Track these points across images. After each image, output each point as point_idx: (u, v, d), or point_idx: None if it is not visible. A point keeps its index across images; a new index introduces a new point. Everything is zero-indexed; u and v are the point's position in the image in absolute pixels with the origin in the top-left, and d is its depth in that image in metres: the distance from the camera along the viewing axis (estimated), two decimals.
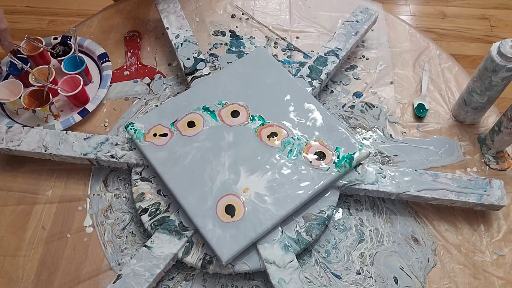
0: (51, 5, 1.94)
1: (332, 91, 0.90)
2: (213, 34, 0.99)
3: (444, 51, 0.97)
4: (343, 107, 0.88)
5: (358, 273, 0.70)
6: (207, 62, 0.91)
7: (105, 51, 0.94)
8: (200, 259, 0.67)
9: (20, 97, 0.82)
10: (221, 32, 1.00)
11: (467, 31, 1.85)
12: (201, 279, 0.69)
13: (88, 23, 1.02)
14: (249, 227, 0.66)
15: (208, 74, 0.86)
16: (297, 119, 0.77)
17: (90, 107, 0.85)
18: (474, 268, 0.71)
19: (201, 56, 0.89)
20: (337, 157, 0.73)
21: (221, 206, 0.68)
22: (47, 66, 0.87)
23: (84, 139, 0.78)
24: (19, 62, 0.88)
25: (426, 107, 0.87)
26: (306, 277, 0.69)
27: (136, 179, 0.75)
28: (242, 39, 0.98)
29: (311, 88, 0.84)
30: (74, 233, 0.74)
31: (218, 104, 0.80)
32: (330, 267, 0.70)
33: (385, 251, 0.72)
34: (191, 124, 0.77)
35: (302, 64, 0.94)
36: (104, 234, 0.73)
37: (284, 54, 0.96)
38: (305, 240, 0.69)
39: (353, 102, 0.89)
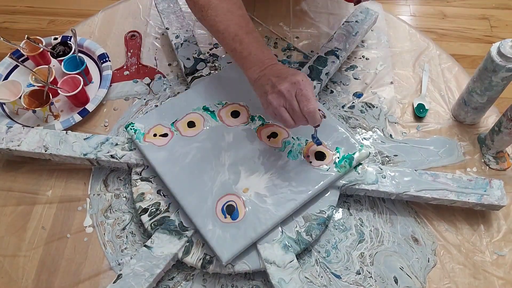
0: (51, 5, 1.94)
1: (332, 91, 0.90)
2: None
3: (444, 51, 0.97)
4: (343, 107, 0.88)
5: (358, 273, 0.70)
6: (207, 62, 0.91)
7: (105, 51, 0.94)
8: (200, 259, 0.67)
9: (20, 97, 0.82)
10: None
11: (467, 31, 1.85)
12: (201, 279, 0.69)
13: (88, 23, 1.03)
14: (249, 227, 0.66)
15: (208, 74, 0.86)
16: None
17: (90, 107, 0.85)
18: (474, 268, 0.71)
19: (201, 56, 0.89)
20: (338, 157, 0.73)
21: (221, 206, 0.68)
22: (47, 66, 0.87)
23: (84, 139, 0.78)
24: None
25: (426, 107, 0.88)
26: (306, 277, 0.69)
27: (136, 179, 0.75)
28: None
29: None
30: (74, 233, 0.74)
31: (218, 104, 0.80)
32: (330, 267, 0.70)
33: (385, 251, 0.72)
34: (191, 124, 0.77)
35: (302, 64, 0.94)
36: (104, 234, 0.73)
37: (284, 54, 0.96)
38: (305, 240, 0.69)
39: (353, 102, 0.89)
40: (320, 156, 0.73)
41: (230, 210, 0.68)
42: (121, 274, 0.65)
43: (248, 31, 0.71)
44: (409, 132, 0.85)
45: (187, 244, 0.68)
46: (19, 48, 0.90)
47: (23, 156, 0.80)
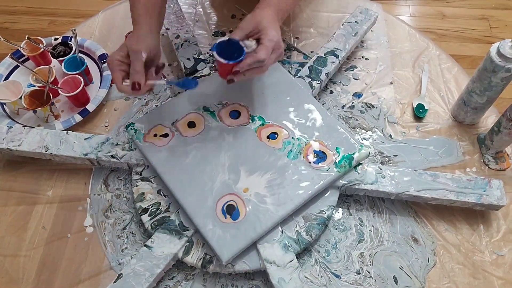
0: (51, 6, 1.94)
1: (331, 92, 0.90)
2: (213, 35, 0.99)
3: (443, 52, 0.97)
4: (342, 107, 0.88)
5: (358, 273, 0.70)
6: (207, 63, 0.91)
7: (105, 52, 0.94)
8: (200, 259, 0.67)
9: (20, 97, 0.83)
10: (221, 32, 1.00)
11: (466, 31, 1.85)
12: (201, 279, 0.69)
13: (89, 23, 1.03)
14: (249, 227, 0.66)
15: (208, 74, 0.87)
16: (297, 119, 0.78)
17: (90, 107, 0.85)
18: (474, 268, 0.71)
19: (201, 57, 0.89)
20: (338, 157, 0.73)
21: (222, 206, 0.69)
22: (47, 66, 0.87)
23: (85, 139, 0.78)
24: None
25: (426, 108, 0.88)
26: (306, 277, 0.69)
27: (137, 179, 0.75)
28: None
29: (311, 88, 0.84)
30: (74, 233, 0.74)
31: (218, 104, 0.80)
32: (330, 267, 0.70)
33: (385, 251, 0.72)
34: (191, 124, 0.77)
35: (302, 64, 0.94)
36: (104, 234, 0.74)
37: (284, 54, 0.96)
38: (305, 240, 0.69)
39: (353, 103, 0.89)
40: (321, 156, 0.73)
41: (231, 210, 0.68)
42: (121, 273, 0.65)
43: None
44: (408, 132, 0.85)
45: (187, 244, 0.68)
46: (19, 49, 0.91)
47: (23, 156, 0.80)
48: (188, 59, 0.89)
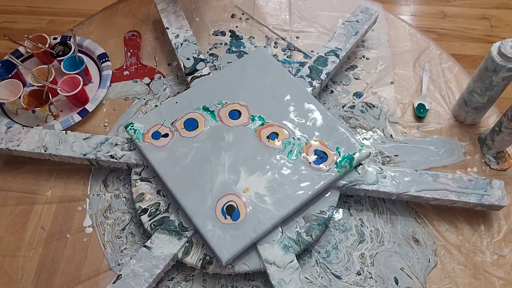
0: (51, 5, 1.94)
1: (332, 91, 0.90)
2: (213, 34, 0.99)
3: (444, 51, 0.97)
4: (343, 107, 0.88)
5: (359, 273, 0.70)
6: (207, 62, 0.91)
7: (104, 51, 0.94)
8: (200, 260, 0.67)
9: (19, 97, 0.82)
10: (221, 32, 0.99)
11: (467, 31, 1.84)
12: (201, 280, 0.69)
13: (88, 23, 1.02)
14: (249, 228, 0.66)
15: (208, 74, 0.86)
16: (297, 119, 0.77)
17: (89, 107, 0.85)
18: (475, 269, 0.71)
19: (201, 56, 0.89)
20: (338, 158, 0.73)
21: (222, 207, 0.68)
22: (46, 66, 0.87)
23: (84, 139, 0.78)
24: (19, 62, 0.88)
25: (427, 107, 0.87)
26: (306, 278, 0.69)
27: (136, 179, 0.75)
28: (242, 39, 0.98)
29: (311, 88, 0.84)
30: (73, 234, 0.74)
31: (218, 104, 0.79)
32: (330, 268, 0.70)
33: (386, 252, 0.72)
34: (191, 124, 0.77)
35: (302, 64, 0.94)
36: (103, 234, 0.73)
37: (284, 54, 0.96)
38: (305, 241, 0.69)
39: (353, 102, 0.89)
40: (321, 156, 0.73)
41: (231, 211, 0.68)
42: (120, 274, 0.65)
43: None
44: (409, 132, 0.85)
45: (187, 244, 0.68)
46: (24, 46, 0.91)
47: (22, 156, 0.79)
48: (188, 58, 0.88)
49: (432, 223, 0.75)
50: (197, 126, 0.77)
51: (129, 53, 0.96)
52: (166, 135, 0.75)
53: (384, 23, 1.01)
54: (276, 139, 0.75)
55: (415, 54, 0.96)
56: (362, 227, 0.74)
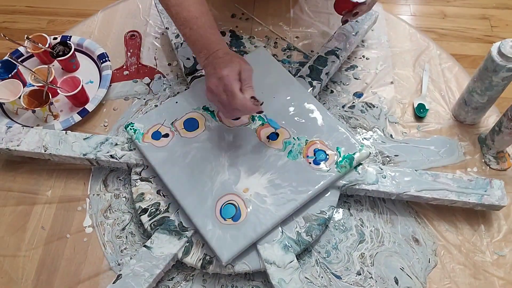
0: (50, 5, 1.94)
1: (332, 91, 0.90)
2: None
3: (444, 51, 0.97)
4: (343, 107, 0.88)
5: (359, 273, 0.70)
6: None
7: (104, 51, 0.94)
8: (200, 259, 0.67)
9: (19, 97, 0.82)
10: (221, 32, 0.99)
11: (467, 31, 1.84)
12: (201, 280, 0.69)
13: (88, 23, 1.02)
14: (249, 227, 0.66)
15: None
16: (297, 119, 0.77)
17: (89, 107, 0.85)
18: (475, 268, 0.71)
19: None
20: (339, 158, 0.73)
21: (221, 206, 0.68)
22: (46, 66, 0.87)
23: (84, 139, 0.78)
24: (19, 62, 0.88)
25: (427, 107, 0.87)
26: (306, 278, 0.69)
27: (136, 179, 0.75)
28: (242, 39, 0.98)
29: (311, 88, 0.84)
30: (73, 233, 0.74)
31: None
32: (330, 268, 0.70)
33: (386, 252, 0.72)
34: (191, 124, 0.77)
35: (302, 64, 0.94)
36: (103, 234, 0.73)
37: (284, 54, 0.96)
38: (305, 241, 0.69)
39: (353, 102, 0.89)
40: (321, 156, 0.73)
41: (233, 212, 0.68)
42: (120, 274, 0.65)
43: (199, 16, 0.71)
44: (409, 132, 0.85)
45: (187, 244, 0.68)
46: (24, 46, 0.91)
47: (22, 156, 0.79)
48: (188, 58, 0.88)
49: (432, 223, 0.75)
50: (197, 126, 0.77)
51: (129, 53, 0.96)
52: (166, 135, 0.75)
53: (384, 23, 1.01)
54: (276, 139, 0.75)
55: (415, 54, 0.96)
56: (362, 227, 0.74)
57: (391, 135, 0.84)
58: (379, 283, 0.69)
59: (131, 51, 0.96)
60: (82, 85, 0.84)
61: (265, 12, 1.03)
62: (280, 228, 0.69)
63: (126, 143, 0.77)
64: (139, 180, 0.75)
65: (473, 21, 1.88)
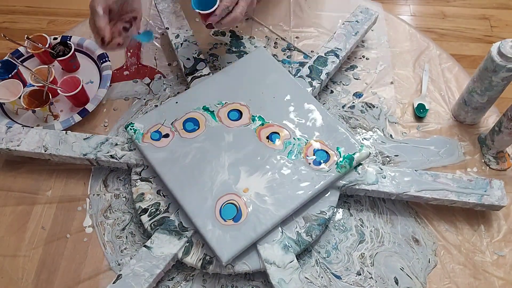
0: (51, 5, 1.94)
1: (332, 91, 0.90)
2: (213, 34, 0.99)
3: (444, 51, 0.97)
4: (343, 107, 0.88)
5: (359, 273, 0.70)
6: (207, 62, 0.91)
7: (104, 51, 0.94)
8: (200, 260, 0.67)
9: (19, 97, 0.82)
10: (221, 32, 0.99)
11: (467, 31, 1.85)
12: (201, 280, 0.69)
13: (88, 23, 1.02)
14: (249, 227, 0.66)
15: (208, 74, 0.86)
16: (297, 119, 0.77)
17: (90, 107, 0.85)
18: (474, 268, 0.71)
19: (201, 56, 0.89)
20: (339, 158, 0.73)
21: (221, 206, 0.68)
22: (46, 66, 0.87)
23: (84, 139, 0.78)
24: (19, 62, 0.88)
25: (426, 107, 0.87)
26: (306, 278, 0.69)
27: (136, 179, 0.75)
28: (242, 39, 0.98)
29: (311, 88, 0.84)
30: (74, 233, 0.74)
31: (218, 104, 0.79)
32: (330, 268, 0.70)
33: (386, 252, 0.72)
34: (191, 124, 0.77)
35: (302, 64, 0.94)
36: (104, 234, 0.73)
37: (284, 54, 0.96)
38: (305, 241, 0.69)
39: (353, 102, 0.89)
40: (322, 156, 0.73)
41: (234, 213, 0.67)
42: (120, 274, 0.65)
43: None
44: (409, 132, 0.85)
45: (187, 244, 0.68)
46: (24, 46, 0.91)
47: (22, 156, 0.79)
48: (188, 58, 0.88)
49: (432, 223, 0.75)
50: (198, 126, 0.77)
51: (129, 53, 0.96)
52: (166, 135, 0.76)
53: (384, 23, 1.01)
54: (276, 139, 0.75)
55: (414, 54, 0.96)
56: (362, 227, 0.74)
57: (391, 135, 0.84)
58: (379, 283, 0.69)
59: (131, 51, 0.96)
60: (82, 85, 0.84)
61: (265, 12, 1.03)
62: (280, 228, 0.69)
63: (126, 143, 0.77)
64: (139, 180, 0.75)
65: (473, 21, 1.88)
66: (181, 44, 0.91)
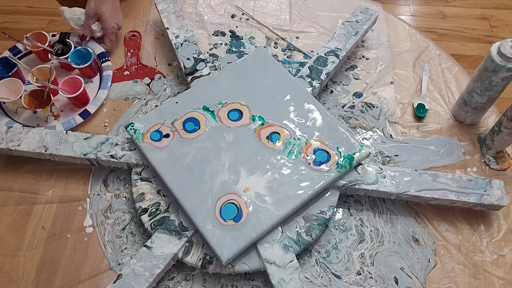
0: (51, 5, 1.94)
1: (332, 91, 0.90)
2: (213, 34, 0.99)
3: (444, 51, 0.97)
4: (343, 107, 0.88)
5: (359, 273, 0.70)
6: (207, 62, 0.91)
7: (104, 50, 0.94)
8: (200, 259, 0.67)
9: (20, 97, 0.82)
10: (221, 32, 0.99)
11: (467, 31, 1.85)
12: (201, 279, 0.69)
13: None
14: (249, 227, 0.66)
15: (208, 74, 0.86)
16: (297, 119, 0.77)
17: (91, 108, 0.85)
18: (474, 268, 0.71)
19: (201, 56, 0.89)
20: (340, 158, 0.73)
21: (221, 206, 0.68)
22: (46, 65, 0.87)
23: (84, 139, 0.78)
24: (19, 61, 0.88)
25: (426, 107, 0.87)
26: (306, 277, 0.69)
27: (136, 179, 0.75)
28: (242, 39, 0.98)
29: (311, 88, 0.84)
30: (74, 233, 0.74)
31: (218, 104, 0.80)
32: (330, 267, 0.70)
33: (386, 252, 0.72)
34: (191, 124, 0.77)
35: (302, 64, 0.94)
36: (104, 234, 0.73)
37: (284, 54, 0.96)
38: (305, 241, 0.69)
39: (353, 102, 0.89)
40: (322, 156, 0.73)
41: (234, 213, 0.68)
42: (121, 274, 0.65)
43: None
44: (409, 132, 0.85)
45: (187, 244, 0.68)
46: (23, 44, 0.90)
47: (23, 156, 0.79)
48: (188, 58, 0.88)
49: (432, 223, 0.75)
50: (198, 126, 0.77)
51: (129, 53, 0.96)
52: (167, 136, 0.76)
53: (384, 23, 1.02)
54: (276, 139, 0.75)
55: (414, 54, 0.97)
56: (362, 227, 0.74)
57: (391, 135, 0.84)
58: (379, 283, 0.69)
59: (131, 51, 0.97)
60: (84, 87, 0.84)
61: (265, 12, 1.03)
62: (280, 228, 0.69)
63: (127, 143, 0.77)
64: (139, 180, 0.75)
65: (473, 21, 1.88)
66: (181, 44, 0.91)
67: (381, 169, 0.74)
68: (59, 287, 0.69)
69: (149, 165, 0.74)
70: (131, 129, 0.76)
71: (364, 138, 0.84)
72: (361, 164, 0.75)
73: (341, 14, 1.02)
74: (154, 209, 0.72)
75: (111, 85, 0.90)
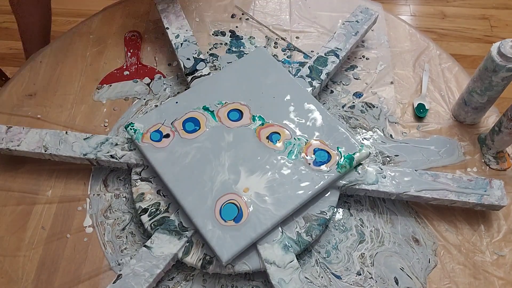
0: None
1: (332, 91, 0.90)
2: (213, 34, 0.99)
3: (444, 51, 0.97)
4: (343, 107, 0.88)
5: (359, 273, 0.70)
6: (207, 62, 0.91)
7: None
8: (200, 259, 0.67)
9: None
10: (221, 32, 0.99)
11: (467, 31, 1.85)
12: (201, 279, 0.69)
13: (88, 23, 1.02)
14: (249, 227, 0.66)
15: (208, 74, 0.86)
16: (297, 119, 0.77)
17: None
18: (474, 268, 0.71)
19: (201, 56, 0.89)
20: (340, 158, 0.73)
21: (221, 206, 0.68)
22: None
23: (84, 139, 0.78)
24: None
25: (426, 107, 0.87)
26: (306, 278, 0.69)
27: (136, 179, 0.75)
28: (242, 39, 0.98)
29: (311, 88, 0.84)
30: (74, 233, 0.74)
31: (218, 104, 0.79)
32: (330, 268, 0.70)
33: (386, 252, 0.72)
34: (191, 124, 0.77)
35: (302, 64, 0.94)
36: (104, 234, 0.73)
37: (284, 54, 0.96)
38: (305, 241, 0.69)
39: (353, 102, 0.89)
40: (323, 156, 0.73)
41: (235, 214, 0.67)
42: (121, 274, 0.65)
43: None
44: (409, 132, 0.85)
45: (187, 244, 0.68)
46: None
47: (23, 156, 0.79)
48: (188, 58, 0.88)
49: (432, 223, 0.75)
50: (198, 126, 0.77)
51: (129, 53, 0.96)
52: (167, 136, 0.76)
53: (384, 23, 1.02)
54: (276, 139, 0.75)
55: (414, 54, 0.96)
56: (362, 227, 0.74)
57: (391, 135, 0.84)
58: (379, 283, 0.69)
59: (131, 51, 0.96)
60: None
61: (265, 12, 1.03)
62: (280, 228, 0.69)
63: (126, 143, 0.77)
64: (139, 180, 0.75)
65: (473, 21, 1.88)
66: (181, 44, 0.91)
67: (381, 169, 0.74)
68: (59, 287, 0.69)
69: (149, 165, 0.74)
70: (131, 129, 0.76)
71: (364, 138, 0.84)
72: (361, 164, 0.75)
73: (341, 14, 1.02)
74: (154, 209, 0.72)
75: (111, 85, 0.90)
